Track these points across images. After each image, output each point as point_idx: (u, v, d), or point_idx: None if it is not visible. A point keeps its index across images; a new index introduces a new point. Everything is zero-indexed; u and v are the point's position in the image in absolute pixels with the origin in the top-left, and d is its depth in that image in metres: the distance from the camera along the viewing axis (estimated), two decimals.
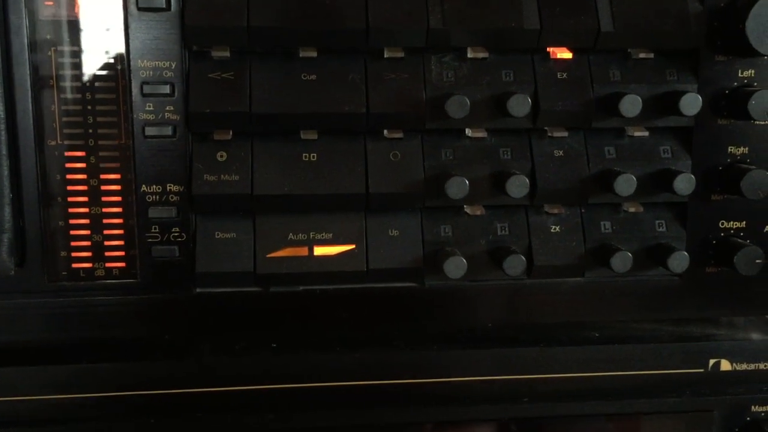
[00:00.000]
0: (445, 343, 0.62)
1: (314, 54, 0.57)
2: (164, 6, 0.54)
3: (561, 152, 0.60)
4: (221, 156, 0.56)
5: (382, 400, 0.61)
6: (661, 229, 0.62)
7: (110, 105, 0.55)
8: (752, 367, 0.64)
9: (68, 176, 0.56)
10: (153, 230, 0.56)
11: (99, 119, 0.55)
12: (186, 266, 0.57)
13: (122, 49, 0.55)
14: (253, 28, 0.54)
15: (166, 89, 0.55)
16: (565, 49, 0.59)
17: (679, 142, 0.61)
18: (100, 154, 0.56)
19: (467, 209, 0.60)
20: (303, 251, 0.58)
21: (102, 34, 0.55)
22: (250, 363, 0.60)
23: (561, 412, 0.62)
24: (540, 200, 0.60)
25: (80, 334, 0.57)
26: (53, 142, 0.55)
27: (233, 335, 0.61)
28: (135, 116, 0.55)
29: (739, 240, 0.61)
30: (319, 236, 0.58)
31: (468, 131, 0.59)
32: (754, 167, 0.59)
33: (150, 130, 0.55)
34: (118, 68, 0.55)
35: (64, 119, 0.55)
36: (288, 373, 0.60)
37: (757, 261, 0.60)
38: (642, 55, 0.59)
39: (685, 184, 0.58)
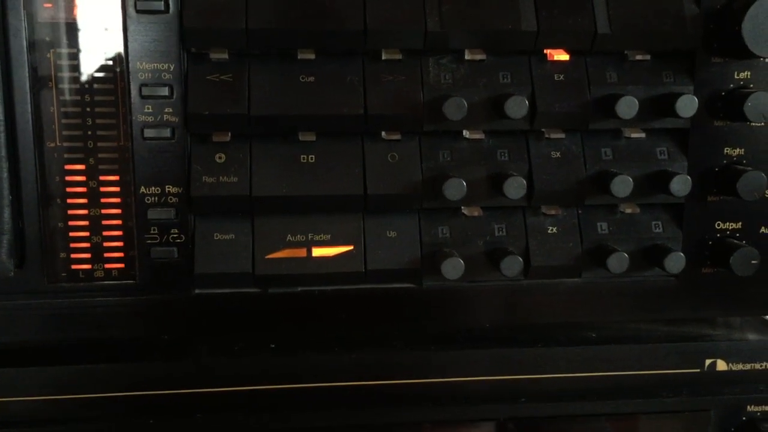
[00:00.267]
0: (442, 343, 0.63)
1: (312, 56, 0.57)
2: (163, 8, 0.54)
3: (558, 154, 0.60)
4: (220, 157, 0.56)
5: (380, 401, 0.61)
6: (657, 230, 0.62)
7: (109, 107, 0.55)
8: (748, 367, 0.65)
9: (67, 178, 0.56)
10: (152, 231, 0.56)
11: (98, 121, 0.55)
12: (185, 267, 0.57)
13: (121, 51, 0.55)
14: (252, 30, 0.54)
15: (165, 91, 0.55)
16: (562, 50, 0.59)
17: (675, 144, 0.61)
18: (99, 155, 0.56)
19: (465, 210, 0.60)
20: (301, 252, 0.58)
21: (100, 36, 0.55)
22: (249, 363, 0.60)
23: (558, 412, 0.63)
24: (537, 201, 0.60)
25: (79, 334, 0.58)
26: (52, 144, 0.55)
27: (232, 336, 0.61)
28: (134, 118, 0.55)
29: (735, 241, 0.62)
30: (317, 237, 0.58)
31: (465, 133, 0.59)
32: (750, 169, 0.59)
33: (149, 132, 0.55)
34: (117, 70, 0.55)
35: (63, 121, 0.55)
36: (286, 373, 0.60)
37: (753, 262, 0.60)
38: (638, 57, 0.60)
39: (681, 185, 0.58)
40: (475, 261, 0.59)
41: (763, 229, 0.63)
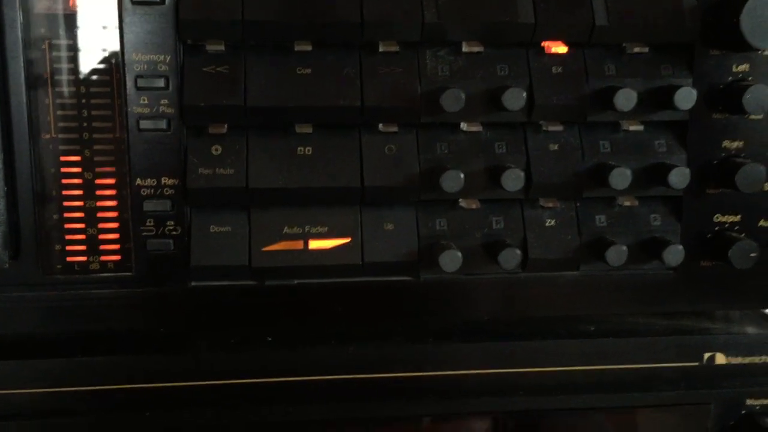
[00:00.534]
0: (440, 336, 0.62)
1: (309, 48, 0.56)
2: (158, 0, 0.54)
3: (556, 146, 0.60)
4: (216, 149, 0.56)
5: (377, 394, 0.61)
6: (655, 223, 0.62)
7: (104, 98, 0.55)
8: (747, 360, 0.65)
9: (63, 170, 0.56)
10: (148, 224, 0.56)
11: (93, 113, 0.55)
12: (181, 259, 0.57)
13: (117, 43, 0.55)
14: (248, 22, 0.54)
15: (161, 83, 0.55)
16: (560, 43, 0.59)
17: (673, 136, 0.61)
18: (95, 147, 0.56)
19: (462, 203, 0.60)
20: (298, 245, 0.58)
21: (96, 27, 0.55)
22: (245, 357, 0.60)
23: (556, 405, 0.63)
24: (535, 194, 0.60)
25: (75, 327, 0.57)
26: (47, 136, 0.55)
27: (228, 328, 0.61)
28: (129, 110, 0.55)
29: (734, 234, 0.61)
30: (314, 230, 0.58)
31: (463, 125, 0.59)
32: (748, 161, 0.59)
33: (144, 124, 0.55)
34: (113, 62, 0.55)
35: (59, 113, 0.55)
36: (282, 366, 0.60)
37: (752, 255, 0.60)
38: (637, 50, 0.59)
39: (679, 177, 0.58)
40: (473, 253, 0.59)
41: (761, 222, 0.62)
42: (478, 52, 0.58)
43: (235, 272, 0.57)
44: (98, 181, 0.56)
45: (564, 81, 0.58)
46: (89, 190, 0.56)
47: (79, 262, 0.57)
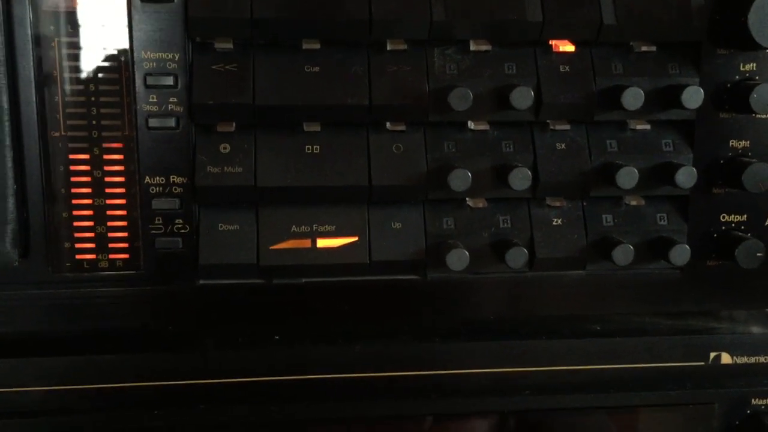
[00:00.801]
0: (447, 335, 0.62)
1: (317, 46, 0.57)
2: None
3: (563, 145, 0.60)
4: (224, 148, 0.56)
5: (384, 393, 0.61)
6: (662, 222, 0.62)
7: (113, 96, 0.55)
8: (753, 360, 0.65)
9: (72, 167, 0.56)
10: (156, 222, 0.56)
11: (102, 111, 0.55)
12: (189, 258, 0.57)
13: (125, 41, 0.55)
14: (257, 20, 0.54)
15: (170, 81, 0.55)
16: (567, 41, 0.59)
17: (680, 136, 0.61)
18: (104, 145, 0.56)
19: (470, 202, 0.60)
20: (306, 243, 0.58)
21: (105, 25, 0.55)
22: (253, 355, 0.60)
23: (562, 404, 0.63)
24: (542, 193, 0.60)
25: (83, 325, 0.57)
26: (57, 134, 0.55)
27: (236, 327, 0.61)
28: (138, 108, 0.55)
29: (740, 233, 0.62)
30: (322, 228, 0.58)
31: (470, 124, 0.59)
32: (755, 161, 0.59)
33: (153, 122, 0.55)
34: (122, 60, 0.55)
35: (68, 110, 0.55)
36: (290, 364, 0.60)
37: (758, 254, 0.60)
38: (644, 48, 0.59)
39: (686, 177, 0.58)
40: (480, 253, 0.59)
41: None
42: (486, 51, 0.58)
43: (243, 270, 0.58)
44: (107, 179, 0.56)
45: (571, 80, 0.58)
46: (98, 188, 0.56)
47: (87, 260, 0.57)
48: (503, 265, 0.58)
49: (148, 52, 0.54)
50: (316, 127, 0.57)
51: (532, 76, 0.58)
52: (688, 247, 0.59)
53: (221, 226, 0.57)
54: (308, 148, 0.57)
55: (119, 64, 0.55)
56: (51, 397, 0.57)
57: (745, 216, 0.62)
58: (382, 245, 0.59)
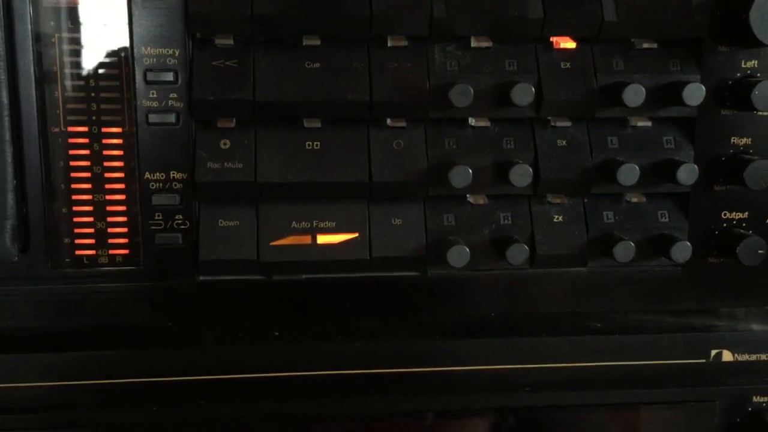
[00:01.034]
0: (447, 332, 0.62)
1: (318, 42, 0.57)
2: None
3: (564, 142, 0.60)
4: (225, 144, 0.56)
5: (384, 389, 0.61)
6: (663, 219, 0.62)
7: (113, 92, 0.55)
8: (754, 357, 0.65)
9: (71, 163, 0.56)
10: (156, 218, 0.56)
11: (102, 106, 0.55)
12: (189, 254, 0.57)
13: (126, 37, 0.55)
14: (257, 16, 0.54)
15: (170, 76, 0.55)
16: (568, 38, 0.59)
17: (682, 133, 0.61)
18: (104, 141, 0.56)
19: (470, 198, 0.60)
20: (306, 239, 0.58)
21: (105, 20, 0.55)
22: (252, 351, 0.60)
23: (562, 401, 0.63)
24: (543, 190, 0.60)
25: (83, 321, 0.58)
26: (57, 129, 0.55)
27: (236, 323, 0.61)
28: (138, 103, 0.55)
29: (742, 230, 0.61)
30: (322, 224, 0.58)
31: (471, 120, 0.59)
32: (756, 158, 0.59)
33: (153, 118, 0.55)
34: (122, 55, 0.55)
35: (68, 106, 0.55)
36: (290, 361, 0.60)
37: (760, 252, 0.60)
38: (645, 45, 0.59)
39: (687, 174, 0.58)
40: (481, 249, 0.59)
41: None
42: (487, 47, 0.58)
43: (243, 266, 0.57)
44: (107, 175, 0.56)
45: (572, 76, 0.58)
46: (98, 183, 0.56)
47: (87, 256, 0.57)
48: (504, 262, 0.58)
49: (149, 48, 0.54)
50: (316, 124, 0.57)
51: (533, 72, 0.58)
52: (689, 244, 0.59)
53: (221, 222, 0.57)
54: (308, 145, 0.57)
55: (119, 59, 0.55)
56: (51, 393, 0.57)
57: (747, 213, 0.62)
58: (382, 241, 0.58)
